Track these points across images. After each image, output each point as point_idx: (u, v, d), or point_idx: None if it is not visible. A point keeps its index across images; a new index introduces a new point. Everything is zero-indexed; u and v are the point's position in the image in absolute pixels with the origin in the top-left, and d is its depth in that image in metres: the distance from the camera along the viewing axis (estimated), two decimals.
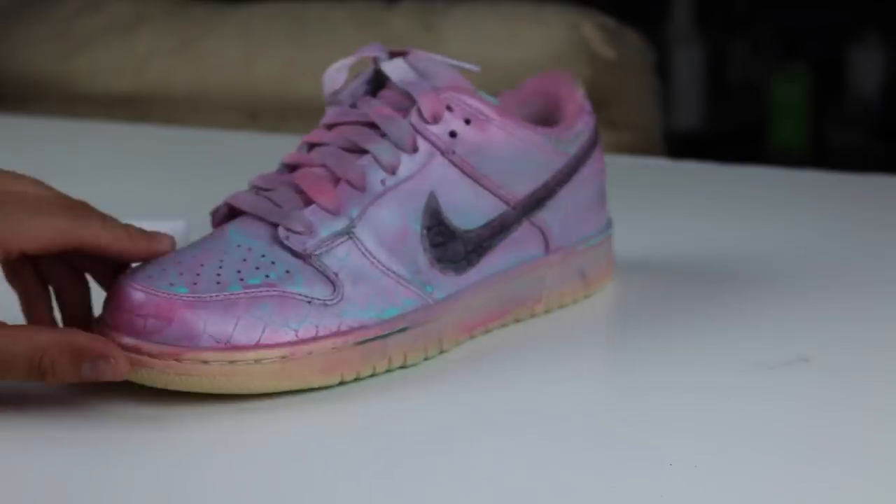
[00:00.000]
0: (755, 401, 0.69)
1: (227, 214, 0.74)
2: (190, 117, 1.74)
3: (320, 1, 1.85)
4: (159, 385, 0.68)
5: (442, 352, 0.75)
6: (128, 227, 0.71)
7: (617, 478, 0.61)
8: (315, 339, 0.69)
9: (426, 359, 0.74)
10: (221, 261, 0.70)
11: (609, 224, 0.85)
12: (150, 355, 0.67)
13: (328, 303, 0.70)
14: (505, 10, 1.76)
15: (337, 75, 0.77)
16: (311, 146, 0.75)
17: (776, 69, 3.04)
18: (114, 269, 0.72)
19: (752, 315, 0.82)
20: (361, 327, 0.71)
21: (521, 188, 0.78)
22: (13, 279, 0.73)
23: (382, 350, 0.72)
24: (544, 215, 0.79)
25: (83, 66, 1.79)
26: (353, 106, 0.76)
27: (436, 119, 0.75)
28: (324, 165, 0.73)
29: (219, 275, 0.69)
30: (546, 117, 0.84)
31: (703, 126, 3.03)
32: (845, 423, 0.67)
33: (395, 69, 0.76)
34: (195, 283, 0.69)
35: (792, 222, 1.03)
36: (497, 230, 0.77)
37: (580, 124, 0.81)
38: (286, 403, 0.69)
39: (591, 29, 1.71)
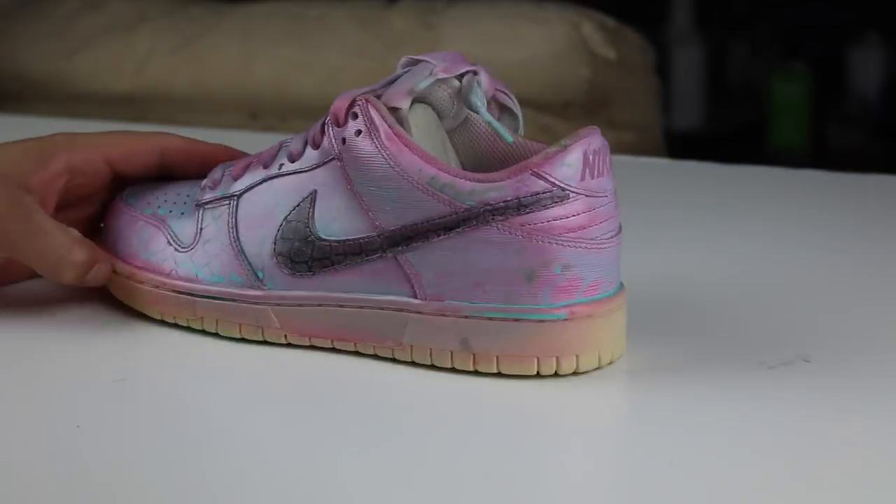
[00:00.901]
0: (756, 400, 0.69)
1: None
2: (190, 117, 1.74)
3: (320, 0, 1.85)
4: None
5: (264, 340, 0.76)
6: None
7: (617, 477, 0.61)
8: (146, 271, 0.79)
9: (242, 338, 0.77)
10: (168, 191, 0.82)
11: (545, 309, 0.71)
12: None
13: (179, 249, 0.79)
14: (505, 9, 1.76)
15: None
16: None
17: (776, 69, 3.04)
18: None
19: (752, 315, 0.82)
20: (186, 279, 0.78)
21: (389, 219, 0.73)
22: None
23: (192, 307, 0.78)
24: (412, 257, 0.73)
25: (83, 66, 1.79)
26: None
27: (337, 122, 0.74)
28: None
29: (157, 198, 0.81)
30: None
31: (703, 126, 3.03)
32: (846, 423, 0.67)
33: (399, 73, 0.76)
34: (138, 201, 0.82)
35: (792, 222, 1.03)
36: (353, 251, 0.74)
37: (506, 181, 0.71)
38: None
39: (591, 29, 1.71)
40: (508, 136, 0.74)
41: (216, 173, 0.79)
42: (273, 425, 0.68)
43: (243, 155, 0.82)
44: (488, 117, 0.74)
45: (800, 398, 0.70)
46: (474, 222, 0.71)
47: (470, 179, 0.71)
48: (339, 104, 0.74)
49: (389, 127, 0.73)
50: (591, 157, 0.71)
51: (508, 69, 1.68)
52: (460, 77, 0.75)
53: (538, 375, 0.71)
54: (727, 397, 0.70)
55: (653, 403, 0.70)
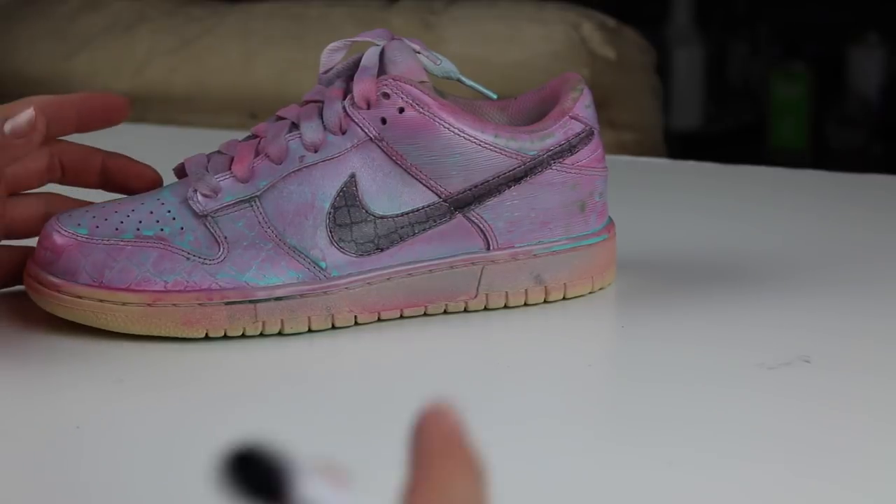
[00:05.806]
0: (756, 401, 0.69)
1: (182, 171, 0.79)
2: (189, 117, 1.74)
3: (320, 0, 1.85)
4: (48, 310, 0.76)
5: (334, 327, 0.77)
6: None
7: (617, 477, 0.61)
8: (182, 292, 0.75)
9: (310, 330, 0.76)
10: (133, 210, 0.76)
11: (595, 233, 0.82)
12: (41, 283, 0.76)
13: (207, 262, 0.75)
14: (505, 9, 1.76)
15: (332, 55, 0.80)
16: (278, 118, 0.79)
17: (776, 69, 3.04)
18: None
19: (752, 315, 0.82)
20: (234, 289, 0.75)
21: (456, 182, 0.78)
22: None
23: (252, 314, 0.75)
24: (483, 212, 0.78)
25: (82, 66, 1.79)
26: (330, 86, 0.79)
27: (368, 105, 0.77)
28: (263, 137, 0.77)
29: (122, 223, 0.76)
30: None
31: (703, 126, 3.03)
32: (846, 423, 0.67)
33: (368, 56, 0.78)
34: (97, 227, 0.76)
35: (792, 222, 1.03)
36: (420, 219, 0.77)
37: (554, 127, 0.79)
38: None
39: (591, 29, 1.71)
40: (492, 94, 0.81)
41: (208, 183, 0.76)
42: (273, 425, 0.67)
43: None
44: (469, 81, 0.80)
45: (800, 399, 0.70)
46: (539, 169, 0.79)
47: (524, 132, 0.79)
48: (365, 89, 0.76)
49: (434, 99, 0.77)
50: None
51: (508, 69, 1.68)
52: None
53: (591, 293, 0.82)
54: (726, 397, 0.70)
55: (651, 405, 0.70)
